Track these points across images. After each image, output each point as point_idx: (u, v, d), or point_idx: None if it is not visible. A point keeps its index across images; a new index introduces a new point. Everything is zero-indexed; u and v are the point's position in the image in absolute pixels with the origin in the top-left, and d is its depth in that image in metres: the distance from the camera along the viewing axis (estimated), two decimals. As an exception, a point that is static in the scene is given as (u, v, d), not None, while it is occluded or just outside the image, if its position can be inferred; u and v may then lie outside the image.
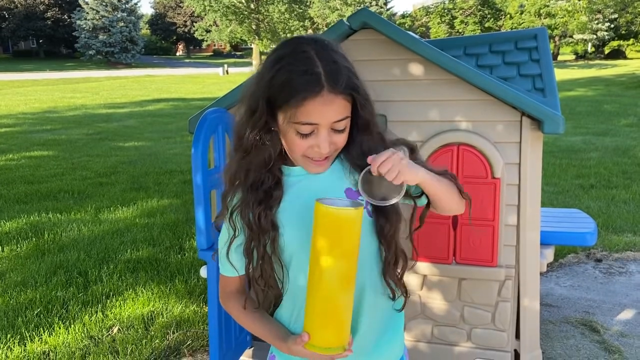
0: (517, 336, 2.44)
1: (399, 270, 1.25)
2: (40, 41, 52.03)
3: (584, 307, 3.27)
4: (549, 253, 2.62)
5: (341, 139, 1.14)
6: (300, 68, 1.07)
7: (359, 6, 37.84)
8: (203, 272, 2.40)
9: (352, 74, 1.11)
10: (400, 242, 1.24)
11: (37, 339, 2.92)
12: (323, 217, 1.07)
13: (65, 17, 49.11)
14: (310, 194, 1.16)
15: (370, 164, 1.09)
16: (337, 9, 37.41)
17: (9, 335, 2.94)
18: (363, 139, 1.18)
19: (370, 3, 39.93)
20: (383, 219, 1.20)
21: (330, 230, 1.07)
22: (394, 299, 1.26)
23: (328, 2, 38.00)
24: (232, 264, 1.25)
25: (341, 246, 1.08)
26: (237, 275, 1.27)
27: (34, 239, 4.52)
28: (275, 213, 1.19)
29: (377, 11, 39.21)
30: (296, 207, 1.20)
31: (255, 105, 1.12)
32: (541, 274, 2.45)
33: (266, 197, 1.18)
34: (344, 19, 2.30)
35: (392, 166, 1.07)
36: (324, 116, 1.08)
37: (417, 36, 2.64)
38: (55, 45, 53.34)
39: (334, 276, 1.09)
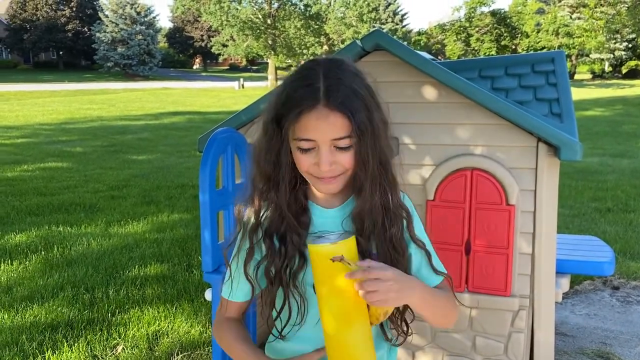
0: (531, 369, 2.36)
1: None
2: (61, 53, 52.90)
3: (600, 338, 3.16)
4: (565, 282, 2.53)
5: (346, 159, 1.07)
6: (302, 83, 1.06)
7: (375, 23, 38.00)
8: (208, 295, 2.35)
9: (356, 96, 1.04)
10: None
11: (39, 357, 2.88)
12: (311, 255, 1.04)
13: (85, 29, 49.91)
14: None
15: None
16: (353, 26, 37.55)
17: (12, 353, 2.90)
18: (363, 191, 1.11)
19: (386, 20, 40.00)
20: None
21: (317, 268, 1.03)
22: (390, 340, 1.21)
23: (344, 18, 38.19)
24: (250, 281, 1.19)
25: (328, 284, 1.02)
26: (245, 300, 1.22)
27: (43, 253, 4.51)
28: (303, 242, 1.13)
29: (392, 28, 39.27)
30: None
31: (266, 127, 1.11)
32: (556, 303, 2.37)
33: (293, 221, 1.13)
34: (357, 40, 2.26)
35: (378, 291, 0.99)
36: (321, 131, 1.04)
37: (430, 57, 2.60)
38: (74, 56, 54.20)
39: (331, 316, 1.03)
